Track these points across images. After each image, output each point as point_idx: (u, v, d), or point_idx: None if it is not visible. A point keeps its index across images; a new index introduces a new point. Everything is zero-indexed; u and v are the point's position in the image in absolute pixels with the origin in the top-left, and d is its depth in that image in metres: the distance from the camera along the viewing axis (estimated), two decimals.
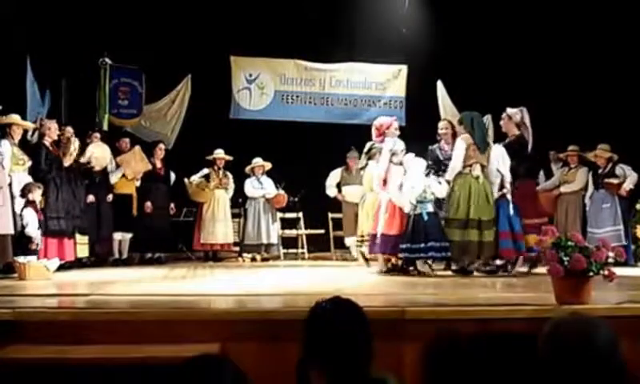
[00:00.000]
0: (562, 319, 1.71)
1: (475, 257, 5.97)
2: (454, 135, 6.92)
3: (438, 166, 6.42)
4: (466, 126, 6.14)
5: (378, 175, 6.22)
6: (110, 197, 7.71)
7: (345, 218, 8.69)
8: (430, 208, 5.94)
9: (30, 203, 6.15)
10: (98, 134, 7.85)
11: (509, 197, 6.10)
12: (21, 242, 5.99)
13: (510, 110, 6.55)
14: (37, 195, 6.21)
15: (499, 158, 6.13)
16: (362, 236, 6.71)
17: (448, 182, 6.09)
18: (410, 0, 9.44)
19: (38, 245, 6.10)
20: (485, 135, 6.20)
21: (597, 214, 7.57)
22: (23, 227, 6.04)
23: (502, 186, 6.09)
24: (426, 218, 5.86)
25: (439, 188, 6.07)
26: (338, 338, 1.85)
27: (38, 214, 6.22)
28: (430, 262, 6.01)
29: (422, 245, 5.80)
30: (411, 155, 6.28)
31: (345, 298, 2.00)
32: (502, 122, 6.59)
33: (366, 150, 6.70)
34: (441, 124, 7.04)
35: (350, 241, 8.54)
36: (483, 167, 6.01)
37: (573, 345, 1.59)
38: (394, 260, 6.24)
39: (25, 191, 6.16)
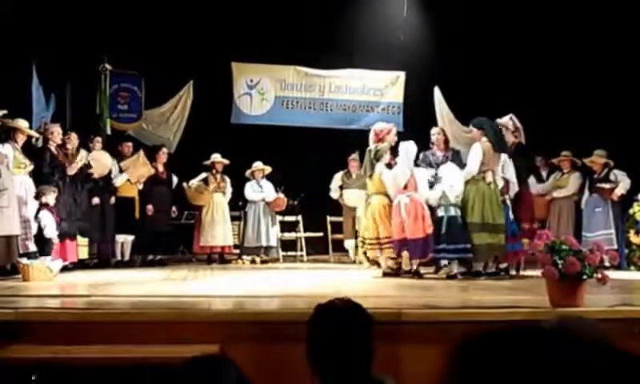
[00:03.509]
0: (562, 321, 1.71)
1: (490, 259, 6.09)
2: (446, 141, 7.08)
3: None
4: (485, 132, 6.14)
5: (398, 179, 6.18)
6: (113, 199, 7.78)
7: (345, 222, 8.75)
8: (460, 211, 6.05)
9: (44, 206, 6.24)
10: (99, 138, 7.92)
11: (508, 202, 6.24)
12: (39, 244, 6.08)
13: (501, 121, 6.59)
14: (50, 198, 6.30)
15: (504, 165, 6.25)
16: (365, 238, 6.57)
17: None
18: (408, 8, 9.53)
19: (55, 245, 6.21)
20: (501, 141, 6.24)
21: (589, 218, 7.67)
22: (41, 229, 6.12)
23: (504, 191, 6.21)
24: (460, 220, 5.98)
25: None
26: (342, 339, 1.87)
27: (54, 215, 6.31)
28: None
29: (461, 245, 5.91)
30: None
31: (348, 298, 2.03)
32: None
33: (372, 154, 6.60)
34: (433, 130, 7.18)
35: (349, 244, 8.60)
36: (493, 173, 6.10)
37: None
38: (405, 264, 6.30)
39: (39, 194, 6.26)
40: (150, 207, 8.07)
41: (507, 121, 6.63)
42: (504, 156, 6.29)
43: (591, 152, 7.83)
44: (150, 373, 2.91)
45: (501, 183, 6.22)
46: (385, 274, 6.36)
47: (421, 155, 6.70)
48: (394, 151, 6.55)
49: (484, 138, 6.11)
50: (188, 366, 1.62)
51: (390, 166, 6.48)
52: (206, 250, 8.74)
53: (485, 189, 6.03)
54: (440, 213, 6.10)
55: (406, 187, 6.15)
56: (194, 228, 8.86)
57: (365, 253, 6.68)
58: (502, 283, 5.68)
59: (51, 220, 6.22)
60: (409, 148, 6.23)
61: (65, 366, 2.95)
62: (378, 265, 6.55)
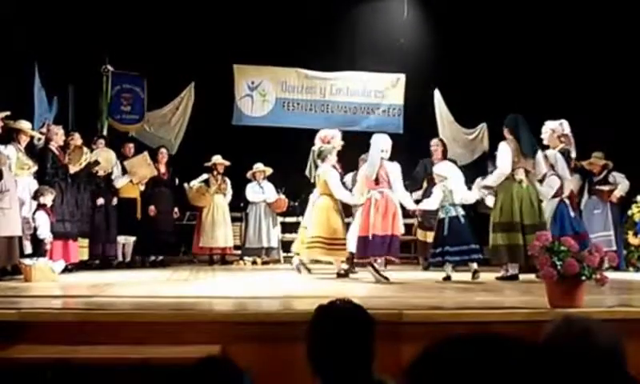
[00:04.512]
0: (564, 321, 1.71)
1: (523, 261, 5.76)
2: (444, 152, 7.12)
3: (420, 177, 6.47)
4: (511, 130, 5.96)
5: (367, 174, 5.86)
6: (115, 200, 7.81)
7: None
8: (462, 210, 5.92)
9: (41, 206, 6.27)
10: (102, 140, 7.96)
11: (566, 200, 6.12)
12: (33, 244, 6.11)
13: (551, 124, 6.51)
14: (48, 199, 6.32)
15: (559, 163, 6.15)
16: (315, 238, 6.35)
17: (490, 187, 6.02)
18: (408, 11, 9.57)
19: (49, 246, 6.22)
20: (531, 139, 6.04)
21: (588, 219, 7.68)
22: (35, 229, 6.15)
23: (560, 191, 6.08)
24: (462, 220, 5.85)
25: (469, 193, 6.09)
26: (342, 340, 1.87)
27: (50, 216, 6.34)
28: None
29: (465, 247, 5.77)
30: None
31: (348, 299, 2.04)
32: (544, 136, 6.47)
33: (316, 154, 6.57)
34: (433, 141, 7.22)
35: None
36: (527, 172, 5.88)
37: (574, 346, 1.59)
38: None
39: (37, 195, 6.29)
40: (152, 208, 8.10)
41: (557, 126, 6.54)
42: (558, 154, 6.17)
43: (589, 155, 7.86)
44: (152, 373, 2.93)
45: (557, 183, 6.08)
46: (339, 275, 6.27)
47: (419, 163, 6.72)
48: (340, 155, 6.52)
49: (510, 137, 5.93)
50: (195, 368, 1.63)
51: (335, 168, 6.42)
52: (206, 251, 8.77)
53: (514, 186, 5.79)
54: (441, 214, 5.97)
55: (377, 182, 5.79)
56: (194, 229, 8.89)
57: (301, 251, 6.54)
58: (503, 284, 5.69)
59: (46, 221, 6.23)
60: (379, 140, 5.91)
61: (70, 366, 2.97)
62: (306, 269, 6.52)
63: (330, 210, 6.29)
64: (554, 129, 6.51)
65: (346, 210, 8.93)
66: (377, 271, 5.74)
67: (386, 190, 5.75)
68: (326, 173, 6.35)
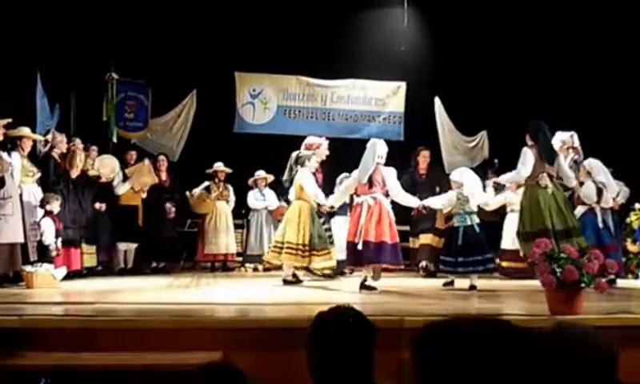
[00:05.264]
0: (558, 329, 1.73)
1: None
2: (430, 165, 7.16)
3: (405, 186, 6.46)
4: (531, 136, 5.86)
5: (359, 178, 5.70)
6: (104, 207, 7.66)
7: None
8: (477, 219, 5.82)
9: (47, 213, 6.31)
10: (95, 147, 7.93)
11: (597, 210, 6.14)
12: (39, 251, 6.14)
13: (562, 136, 6.51)
14: (54, 206, 6.37)
15: (592, 171, 6.19)
16: (283, 243, 6.35)
17: (498, 187, 6.00)
18: (409, 19, 9.63)
19: (55, 252, 6.26)
20: (550, 145, 5.97)
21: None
22: (41, 236, 6.19)
23: (600, 198, 6.12)
24: (477, 229, 5.74)
25: (487, 197, 6.05)
26: (342, 347, 1.86)
27: (56, 223, 6.38)
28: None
29: (479, 257, 5.65)
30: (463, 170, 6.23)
31: (349, 306, 2.05)
32: (554, 146, 6.33)
33: (293, 159, 6.57)
34: (425, 152, 7.30)
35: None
36: (551, 177, 5.78)
37: (570, 353, 1.57)
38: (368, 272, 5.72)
39: (43, 202, 6.33)
40: (170, 207, 8.11)
41: (568, 138, 6.57)
42: (596, 162, 6.22)
43: None
44: (154, 379, 2.94)
45: (593, 191, 6.10)
46: (286, 282, 6.29)
47: (407, 171, 6.75)
48: (324, 165, 6.55)
49: (532, 142, 5.83)
50: (198, 375, 1.64)
51: (314, 175, 6.43)
52: (209, 258, 8.79)
53: (540, 193, 5.68)
54: (456, 223, 5.83)
55: (371, 187, 5.63)
56: (197, 236, 8.91)
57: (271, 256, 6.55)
58: (503, 291, 5.70)
59: (51, 227, 6.27)
60: (376, 144, 5.78)
61: (71, 373, 2.98)
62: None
63: (302, 214, 6.28)
64: (565, 140, 6.54)
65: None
66: (363, 282, 5.56)
67: (379, 196, 5.61)
68: (300, 176, 6.34)
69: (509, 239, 7.06)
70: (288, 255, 6.32)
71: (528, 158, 5.75)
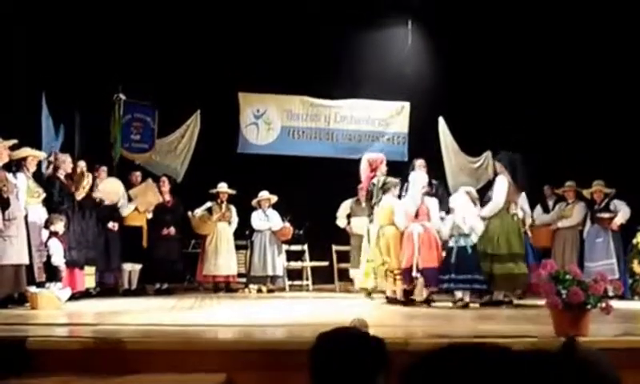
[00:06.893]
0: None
1: (511, 289, 6.25)
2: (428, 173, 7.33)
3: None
4: (505, 165, 6.37)
5: (407, 208, 6.36)
6: (116, 226, 7.79)
7: (352, 250, 8.77)
8: (472, 241, 6.15)
9: (53, 234, 6.33)
10: (104, 168, 8.02)
11: (529, 233, 6.77)
12: (48, 272, 6.15)
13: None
14: (59, 227, 6.38)
15: (522, 198, 6.67)
16: (382, 267, 6.54)
17: (483, 218, 6.30)
18: (412, 39, 9.71)
19: (64, 273, 6.28)
20: (515, 178, 6.42)
21: (591, 247, 7.71)
22: (49, 257, 6.20)
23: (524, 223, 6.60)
24: (470, 251, 6.07)
25: (476, 224, 6.25)
26: (343, 368, 1.83)
27: (63, 243, 6.40)
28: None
29: (469, 276, 6.03)
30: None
31: (349, 327, 2.04)
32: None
33: (379, 185, 6.84)
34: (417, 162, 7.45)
35: (354, 272, 8.59)
36: (515, 204, 6.35)
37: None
38: (418, 292, 6.37)
39: (47, 223, 6.36)
40: (172, 230, 8.19)
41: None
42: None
43: (591, 183, 7.89)
44: None
45: (521, 214, 6.51)
46: (390, 301, 6.48)
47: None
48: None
49: (505, 172, 6.33)
50: None
51: (400, 198, 6.65)
52: (209, 279, 8.77)
53: (509, 220, 6.24)
54: (451, 243, 6.24)
55: (417, 216, 6.29)
56: (197, 257, 8.91)
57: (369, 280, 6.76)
58: (508, 312, 5.69)
59: (59, 248, 6.29)
60: (417, 178, 6.49)
61: None
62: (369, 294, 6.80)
63: (396, 239, 6.49)
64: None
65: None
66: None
67: (427, 224, 6.28)
68: (392, 205, 6.59)
69: None
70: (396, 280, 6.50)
71: (504, 187, 6.25)
